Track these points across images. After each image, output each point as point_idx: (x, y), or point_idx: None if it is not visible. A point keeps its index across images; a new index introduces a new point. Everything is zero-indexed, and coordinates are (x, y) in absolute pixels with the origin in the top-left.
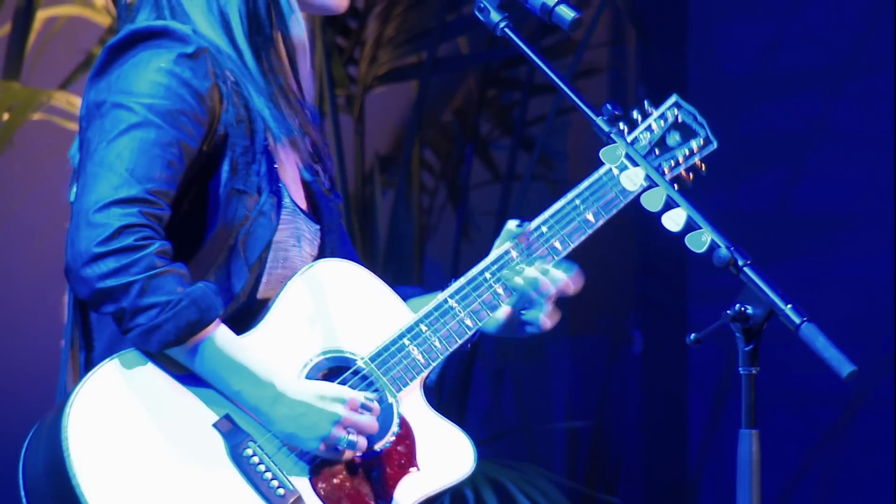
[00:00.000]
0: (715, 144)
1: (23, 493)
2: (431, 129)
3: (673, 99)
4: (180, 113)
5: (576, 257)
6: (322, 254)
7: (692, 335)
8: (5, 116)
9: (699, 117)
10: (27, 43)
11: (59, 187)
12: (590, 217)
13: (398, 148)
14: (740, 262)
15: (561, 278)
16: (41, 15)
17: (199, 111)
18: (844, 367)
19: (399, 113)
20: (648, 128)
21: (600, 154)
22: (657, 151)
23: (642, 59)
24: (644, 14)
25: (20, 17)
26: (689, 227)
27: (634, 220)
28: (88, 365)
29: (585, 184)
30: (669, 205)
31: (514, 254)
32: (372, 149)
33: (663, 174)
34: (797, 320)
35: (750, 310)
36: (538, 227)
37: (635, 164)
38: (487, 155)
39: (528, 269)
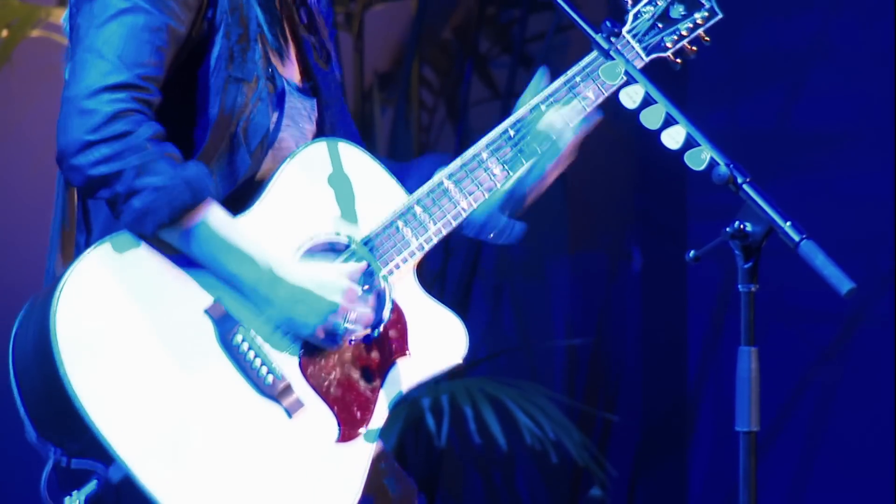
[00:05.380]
0: (720, 15)
1: (12, 374)
2: (431, 46)
3: None
4: None
5: (575, 175)
6: (321, 129)
7: (691, 252)
8: (4, 33)
9: None
10: None
11: (57, 104)
12: (589, 94)
13: (397, 65)
14: (739, 180)
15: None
16: None
17: None
18: (844, 285)
19: (398, 30)
20: (652, 1)
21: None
22: (660, 25)
23: None
24: None
25: None
26: (689, 144)
27: (633, 138)
28: (88, 247)
29: (584, 61)
30: (669, 122)
31: (511, 132)
32: (371, 66)
33: (666, 50)
34: (796, 237)
35: (749, 227)
36: (537, 106)
37: (635, 80)
38: (487, 72)
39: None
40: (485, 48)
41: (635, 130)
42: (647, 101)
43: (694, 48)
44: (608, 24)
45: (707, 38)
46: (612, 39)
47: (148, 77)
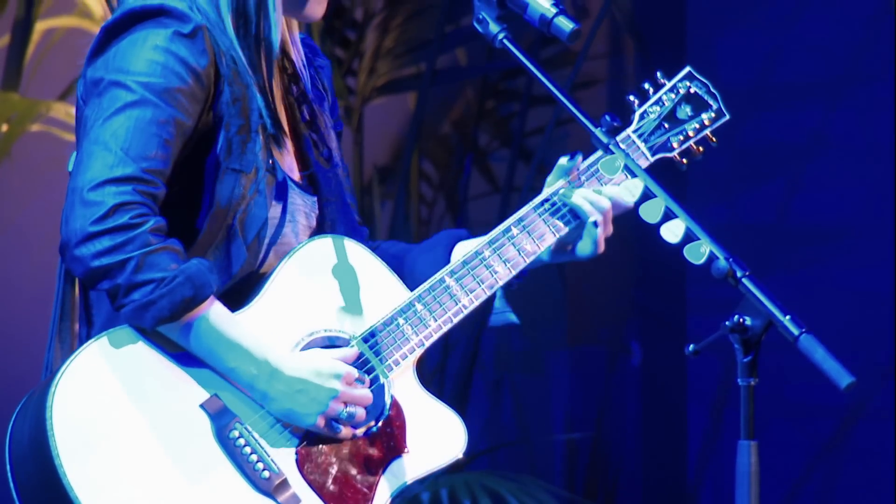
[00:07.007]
0: (727, 116)
1: (8, 467)
2: (430, 140)
3: (686, 70)
4: (176, 91)
5: (575, 268)
6: (322, 226)
7: (691, 346)
8: (4, 127)
9: (712, 88)
10: (26, 54)
11: (57, 198)
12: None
13: (397, 159)
14: (739, 273)
15: (614, 192)
16: (40, 26)
17: (195, 89)
18: (843, 379)
19: (398, 124)
20: (659, 101)
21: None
22: (667, 125)
23: (641, 70)
24: (642, 25)
25: (19, 28)
26: (688, 238)
27: (633, 232)
28: (89, 339)
29: (592, 158)
30: (668, 216)
31: (514, 230)
32: (371, 160)
33: (672, 150)
34: (796, 331)
35: (748, 321)
36: (541, 203)
37: (633, 174)
38: (486, 166)
39: (578, 191)
40: (484, 142)
41: (634, 224)
42: (647, 195)
43: (701, 149)
44: (608, 118)
45: (714, 139)
46: (615, 136)
47: (153, 171)
